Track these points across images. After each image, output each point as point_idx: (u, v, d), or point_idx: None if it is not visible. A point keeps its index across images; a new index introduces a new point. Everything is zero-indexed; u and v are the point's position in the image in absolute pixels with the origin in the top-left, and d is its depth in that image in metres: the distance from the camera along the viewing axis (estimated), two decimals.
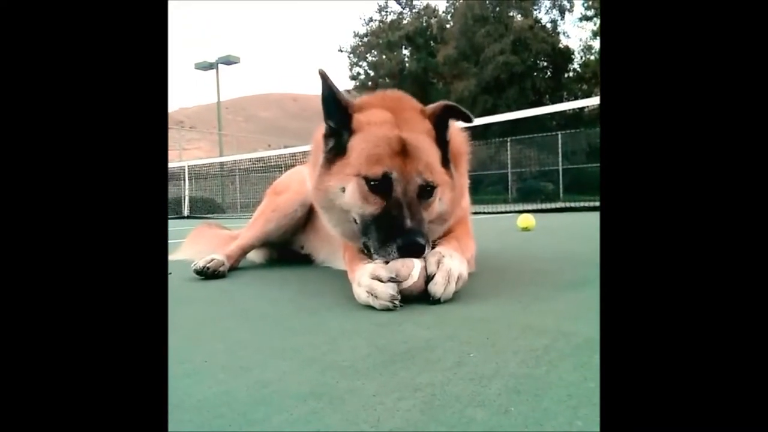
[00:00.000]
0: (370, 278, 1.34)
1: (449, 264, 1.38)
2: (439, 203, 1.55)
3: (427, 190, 1.48)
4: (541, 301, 1.37)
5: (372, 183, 1.45)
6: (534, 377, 0.78)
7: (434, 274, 1.35)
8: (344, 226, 1.62)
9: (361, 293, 1.36)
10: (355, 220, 1.54)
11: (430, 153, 1.51)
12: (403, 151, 1.46)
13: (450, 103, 1.63)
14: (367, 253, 1.50)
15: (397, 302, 1.29)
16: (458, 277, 1.38)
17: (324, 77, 1.55)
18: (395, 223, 1.40)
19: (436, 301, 1.33)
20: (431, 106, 1.62)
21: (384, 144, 1.46)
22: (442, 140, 1.59)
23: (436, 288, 1.33)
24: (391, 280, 1.31)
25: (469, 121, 1.61)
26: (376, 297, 1.31)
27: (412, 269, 1.33)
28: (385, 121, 1.52)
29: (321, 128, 1.66)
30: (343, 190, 1.51)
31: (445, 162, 1.59)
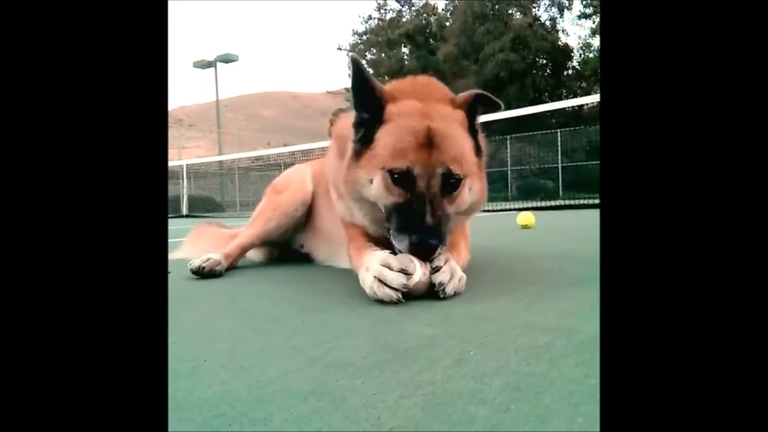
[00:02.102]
0: (380, 265, 1.32)
1: (454, 264, 1.41)
2: (469, 193, 1.54)
3: (451, 183, 1.46)
4: (542, 298, 1.37)
5: (396, 176, 1.44)
6: (535, 375, 0.78)
7: (440, 267, 1.37)
8: (373, 215, 1.61)
9: (367, 278, 1.34)
10: (381, 210, 1.54)
11: (461, 143, 1.49)
12: (430, 143, 1.43)
13: (481, 91, 1.60)
14: (386, 242, 1.51)
15: (400, 295, 1.29)
16: (460, 278, 1.41)
17: (357, 64, 1.49)
18: (415, 216, 1.39)
19: (443, 292, 1.36)
20: (462, 95, 1.59)
21: (410, 136, 1.43)
22: (473, 129, 1.57)
23: (443, 276, 1.36)
24: (402, 271, 1.30)
25: (499, 108, 1.60)
26: (384, 284, 1.30)
27: (415, 271, 1.33)
28: (415, 111, 1.48)
29: (346, 117, 1.63)
30: (371, 181, 1.50)
31: (478, 151, 1.58)
